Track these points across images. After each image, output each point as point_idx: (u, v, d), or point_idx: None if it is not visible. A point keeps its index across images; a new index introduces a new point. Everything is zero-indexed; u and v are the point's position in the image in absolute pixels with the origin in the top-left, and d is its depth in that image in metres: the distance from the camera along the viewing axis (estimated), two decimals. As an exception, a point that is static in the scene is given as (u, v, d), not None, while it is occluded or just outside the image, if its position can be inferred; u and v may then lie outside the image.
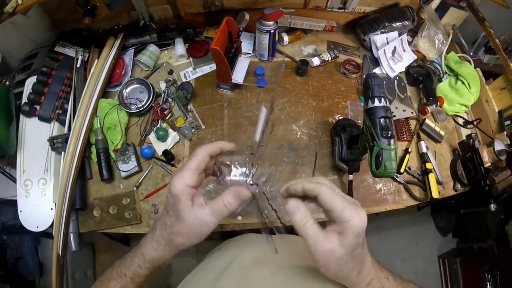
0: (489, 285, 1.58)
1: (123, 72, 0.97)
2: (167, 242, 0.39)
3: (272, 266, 0.46)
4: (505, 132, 1.03)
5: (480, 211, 1.54)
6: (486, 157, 0.93)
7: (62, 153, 0.83)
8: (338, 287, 0.41)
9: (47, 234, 1.12)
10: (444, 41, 1.12)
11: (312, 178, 0.38)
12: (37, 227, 0.81)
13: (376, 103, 0.65)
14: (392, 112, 0.99)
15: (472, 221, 1.67)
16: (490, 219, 1.56)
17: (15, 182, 0.83)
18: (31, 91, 0.86)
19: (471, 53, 1.19)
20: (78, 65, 0.91)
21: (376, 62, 1.09)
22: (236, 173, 0.42)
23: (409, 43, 1.14)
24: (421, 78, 1.06)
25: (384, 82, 1.04)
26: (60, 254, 0.76)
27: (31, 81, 0.88)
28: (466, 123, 1.06)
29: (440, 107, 1.06)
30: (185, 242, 0.39)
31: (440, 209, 1.80)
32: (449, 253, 1.82)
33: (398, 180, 0.92)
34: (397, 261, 1.77)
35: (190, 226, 0.38)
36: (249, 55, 1.05)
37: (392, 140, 0.64)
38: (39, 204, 0.81)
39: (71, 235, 0.81)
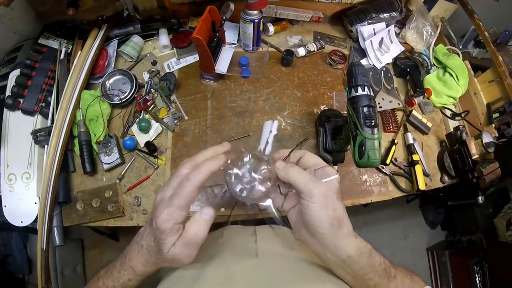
0: (478, 277, 1.60)
1: (106, 63, 0.95)
2: (156, 264, 0.39)
3: (255, 258, 0.46)
4: (493, 125, 1.04)
5: (468, 204, 1.56)
6: (474, 149, 0.93)
7: (46, 146, 0.81)
8: (324, 271, 0.41)
9: (35, 230, 1.11)
10: (433, 33, 1.12)
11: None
12: (22, 221, 0.80)
13: (360, 91, 0.64)
14: (379, 103, 0.99)
15: (461, 214, 1.69)
16: (478, 213, 1.58)
17: (-1, 177, 0.82)
18: (14, 84, 0.85)
19: (460, 47, 1.19)
20: (62, 57, 0.90)
21: (363, 53, 1.08)
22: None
23: (397, 34, 1.13)
24: (408, 69, 1.05)
25: (371, 72, 1.03)
26: (44, 249, 0.75)
27: (14, 74, 0.86)
28: (454, 115, 1.06)
29: (428, 99, 1.05)
30: (171, 267, 0.40)
31: (429, 202, 1.82)
32: (438, 245, 1.85)
33: (384, 171, 0.91)
34: (386, 254, 1.75)
35: (170, 262, 0.38)
36: (234, 45, 1.03)
37: (375, 130, 0.63)
38: (23, 199, 0.80)
39: (55, 229, 0.79)
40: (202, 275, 0.42)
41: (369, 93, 0.65)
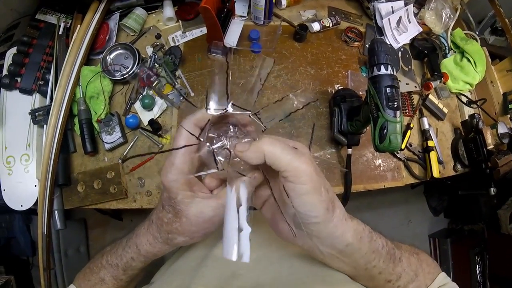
0: (478, 267, 1.61)
1: (107, 37, 0.89)
2: (165, 240, 0.34)
3: (257, 249, 0.41)
4: (509, 115, 1.01)
5: (474, 194, 1.55)
6: (490, 139, 0.90)
7: (44, 126, 0.78)
8: (326, 268, 0.36)
9: (37, 212, 1.10)
10: (452, 16, 1.06)
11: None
12: (22, 205, 0.77)
13: (383, 70, 0.60)
14: (396, 85, 0.94)
15: (465, 203, 1.68)
16: (483, 202, 1.57)
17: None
18: (11, 62, 0.81)
19: (477, 33, 1.14)
20: (60, 32, 0.86)
21: (380, 32, 1.02)
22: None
23: (415, 14, 1.07)
24: (426, 51, 1.00)
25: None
26: (45, 233, 0.74)
27: (11, 52, 0.83)
28: (470, 102, 1.02)
29: (444, 83, 1.01)
30: (187, 240, 0.33)
31: (433, 189, 1.81)
32: (440, 233, 1.85)
33: (398, 156, 0.88)
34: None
35: (192, 224, 0.31)
36: (244, 18, 0.96)
37: (398, 112, 0.59)
38: (22, 182, 0.78)
39: (56, 212, 0.77)
40: (203, 265, 0.39)
41: (392, 73, 0.61)
